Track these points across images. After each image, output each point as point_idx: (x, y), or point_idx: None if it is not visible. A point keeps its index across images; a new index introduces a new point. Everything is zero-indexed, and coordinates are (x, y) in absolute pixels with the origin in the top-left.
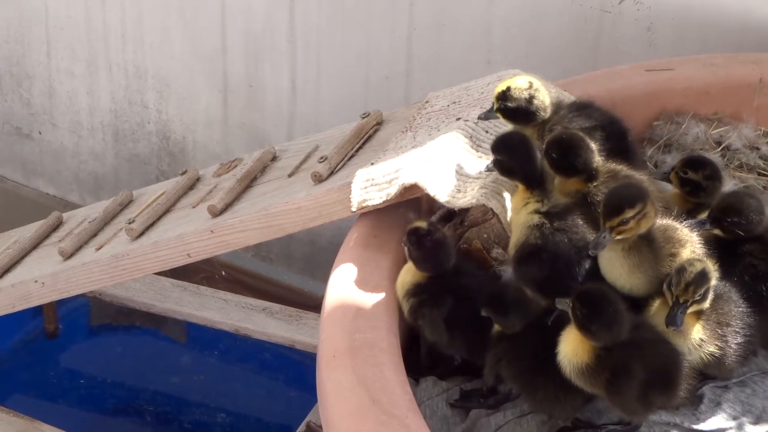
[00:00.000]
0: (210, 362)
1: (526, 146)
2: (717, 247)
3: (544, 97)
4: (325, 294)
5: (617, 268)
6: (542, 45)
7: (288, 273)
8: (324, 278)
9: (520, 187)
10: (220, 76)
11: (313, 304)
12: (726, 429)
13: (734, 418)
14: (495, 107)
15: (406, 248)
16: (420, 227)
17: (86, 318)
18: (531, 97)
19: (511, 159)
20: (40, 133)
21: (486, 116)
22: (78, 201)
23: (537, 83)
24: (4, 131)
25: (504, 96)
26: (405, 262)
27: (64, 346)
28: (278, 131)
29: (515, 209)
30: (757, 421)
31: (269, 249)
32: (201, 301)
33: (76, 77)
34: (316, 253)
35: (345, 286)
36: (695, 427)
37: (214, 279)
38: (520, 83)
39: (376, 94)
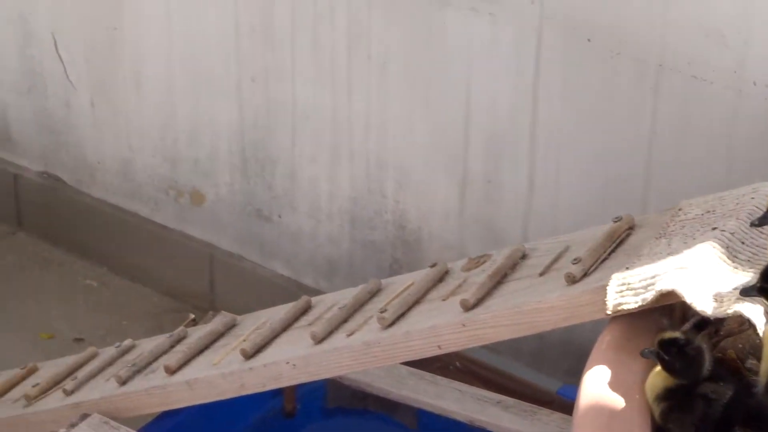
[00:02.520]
0: None
1: None
2: None
3: None
4: (578, 394)
5: None
6: None
7: (516, 366)
8: (552, 373)
9: None
10: (459, 171)
11: (546, 399)
12: None
13: None
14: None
15: (654, 357)
16: (677, 338)
17: (322, 399)
18: None
19: None
20: (279, 216)
21: (761, 222)
22: (312, 284)
23: None
24: (245, 212)
25: None
26: (656, 365)
27: (299, 426)
28: (513, 228)
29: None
30: None
31: (498, 341)
32: (437, 390)
33: (318, 164)
34: (545, 348)
35: (599, 387)
36: None
37: (448, 369)
38: None
39: (614, 196)
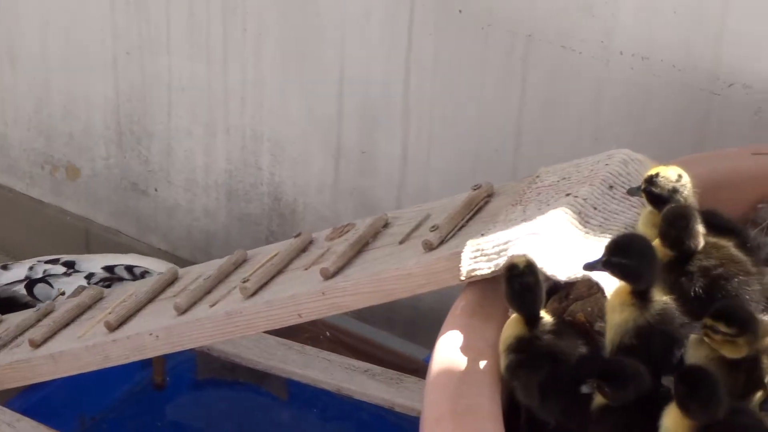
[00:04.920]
0: (310, 420)
1: (653, 255)
2: None
3: (689, 193)
4: (431, 359)
5: None
6: (649, 124)
7: (390, 336)
8: (425, 343)
9: (624, 287)
10: (333, 142)
11: (414, 367)
12: None
13: None
14: (642, 188)
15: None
16: (516, 265)
17: (192, 372)
18: (675, 190)
19: (638, 266)
20: (155, 189)
21: (632, 192)
22: (188, 257)
23: (686, 179)
24: (121, 186)
25: (651, 181)
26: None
27: (170, 398)
28: (388, 198)
29: (611, 308)
30: None
31: (372, 312)
32: (305, 360)
33: (194, 137)
34: (417, 318)
35: (450, 352)
36: None
37: (318, 339)
38: (669, 174)
39: (485, 165)
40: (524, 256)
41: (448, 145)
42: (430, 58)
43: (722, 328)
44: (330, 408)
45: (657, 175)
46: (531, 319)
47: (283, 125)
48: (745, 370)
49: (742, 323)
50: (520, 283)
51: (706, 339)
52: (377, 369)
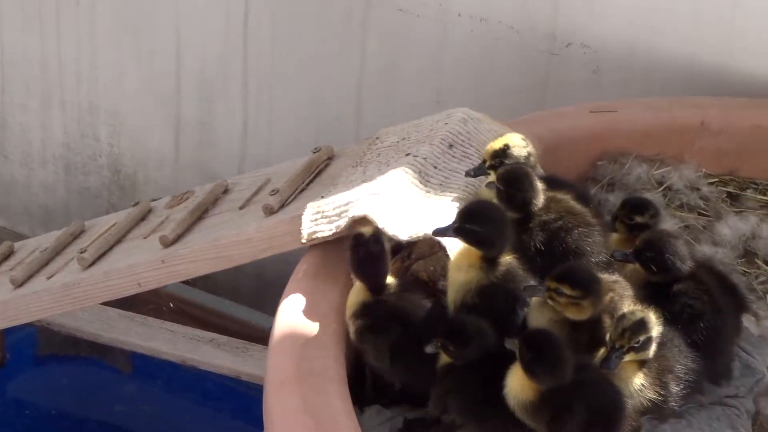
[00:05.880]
0: (155, 392)
1: (506, 223)
2: (652, 291)
3: (535, 158)
4: (274, 323)
5: None
6: (491, 86)
7: (235, 306)
8: (271, 311)
9: (474, 250)
10: (173, 115)
11: (260, 336)
12: None
13: None
14: (491, 163)
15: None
16: (363, 234)
17: (33, 347)
18: (528, 155)
19: (491, 234)
20: None
21: (475, 173)
22: (28, 233)
23: (529, 142)
24: None
25: (504, 153)
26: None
27: (10, 376)
28: (229, 169)
29: (456, 266)
30: None
31: (216, 282)
32: (148, 331)
33: (29, 111)
34: (263, 286)
35: (293, 315)
36: None
37: (161, 311)
38: (518, 141)
39: (327, 134)
40: (371, 224)
41: (288, 113)
42: (268, 26)
43: (566, 290)
44: (175, 379)
45: (507, 147)
46: (376, 289)
47: (121, 98)
48: (588, 330)
49: (585, 286)
50: (365, 251)
51: (550, 302)
52: (222, 338)
